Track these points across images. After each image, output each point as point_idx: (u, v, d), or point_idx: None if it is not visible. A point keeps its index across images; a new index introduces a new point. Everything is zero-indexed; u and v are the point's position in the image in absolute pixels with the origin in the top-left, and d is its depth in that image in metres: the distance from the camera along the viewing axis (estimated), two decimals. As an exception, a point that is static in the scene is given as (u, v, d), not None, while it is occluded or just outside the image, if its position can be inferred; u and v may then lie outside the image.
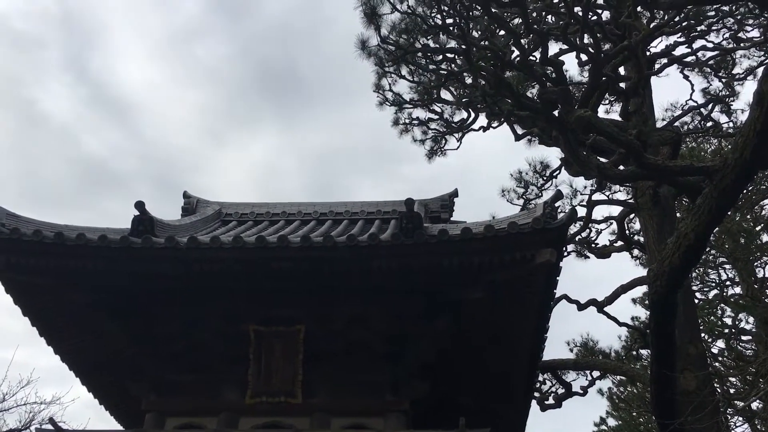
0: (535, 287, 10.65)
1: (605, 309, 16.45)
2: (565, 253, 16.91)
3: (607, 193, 17.10)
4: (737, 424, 15.48)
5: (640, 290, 17.78)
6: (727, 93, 15.87)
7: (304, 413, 11.02)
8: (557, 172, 16.45)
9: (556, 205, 10.62)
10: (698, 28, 14.64)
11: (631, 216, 16.74)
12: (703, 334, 14.93)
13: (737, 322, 17.38)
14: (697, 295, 18.24)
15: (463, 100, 15.69)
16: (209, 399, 11.31)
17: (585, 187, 16.50)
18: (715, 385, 12.25)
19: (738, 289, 18.59)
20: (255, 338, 11.30)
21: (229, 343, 11.48)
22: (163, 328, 11.59)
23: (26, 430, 14.59)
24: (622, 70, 14.28)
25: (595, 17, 13.22)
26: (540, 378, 17.09)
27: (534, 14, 14.35)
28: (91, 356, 12.43)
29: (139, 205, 10.67)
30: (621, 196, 17.26)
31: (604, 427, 30.36)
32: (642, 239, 15.44)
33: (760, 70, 12.84)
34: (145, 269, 10.43)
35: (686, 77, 15.74)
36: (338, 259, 10.34)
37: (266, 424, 10.95)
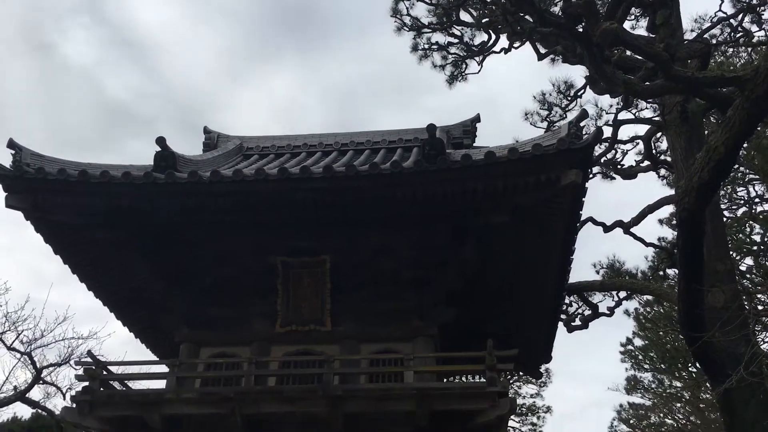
0: (561, 210, 10.53)
1: (631, 230, 16.34)
2: (591, 175, 16.71)
3: (634, 111, 16.74)
4: (765, 340, 15.51)
5: (666, 210, 17.60)
6: (759, 1, 15.23)
7: (333, 340, 11.22)
8: (582, 91, 16.10)
9: (581, 125, 10.39)
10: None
11: (658, 135, 16.39)
12: (731, 252, 14.77)
13: (766, 239, 17.17)
14: (726, 212, 17.99)
15: (484, 21, 15.26)
16: (241, 329, 11.54)
17: (611, 106, 16.18)
18: (744, 301, 12.15)
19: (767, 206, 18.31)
20: (282, 270, 11.42)
21: (258, 276, 11.61)
22: (191, 262, 11.74)
23: (66, 364, 15.05)
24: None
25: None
26: (566, 300, 17.17)
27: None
28: (123, 292, 12.67)
29: (160, 141, 10.64)
30: (648, 114, 16.89)
31: (630, 347, 30.70)
32: (669, 158, 15.16)
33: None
34: (170, 204, 10.49)
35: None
36: (361, 188, 10.27)
37: (297, 352, 11.17)
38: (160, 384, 10.94)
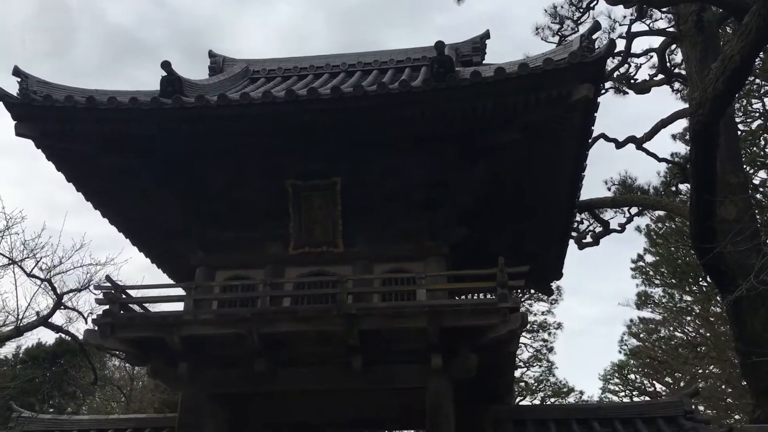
0: (572, 126, 10.42)
1: (644, 146, 16.23)
2: (603, 90, 16.47)
3: (648, 22, 16.31)
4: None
5: (680, 125, 17.43)
6: None
7: (346, 261, 11.35)
8: (594, 2, 15.67)
9: (594, 38, 10.12)
10: None
11: (673, 47, 16.05)
12: (744, 165, 14.66)
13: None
14: (740, 126, 17.77)
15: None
16: (255, 252, 11.68)
17: (624, 18, 15.77)
18: (756, 213, 12.15)
19: (782, 118, 18.06)
20: (293, 193, 11.45)
21: (269, 199, 11.67)
22: (203, 187, 11.81)
23: (85, 290, 15.33)
24: None
25: None
26: (578, 217, 17.24)
27: None
28: (137, 218, 12.80)
29: (166, 65, 10.53)
30: (662, 25, 16.47)
31: (641, 263, 30.96)
32: (683, 71, 14.89)
33: None
34: (178, 129, 10.46)
35: None
36: (369, 108, 10.17)
37: (311, 273, 11.33)
38: (178, 307, 11.18)
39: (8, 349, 32.57)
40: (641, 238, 27.52)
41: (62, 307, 16.02)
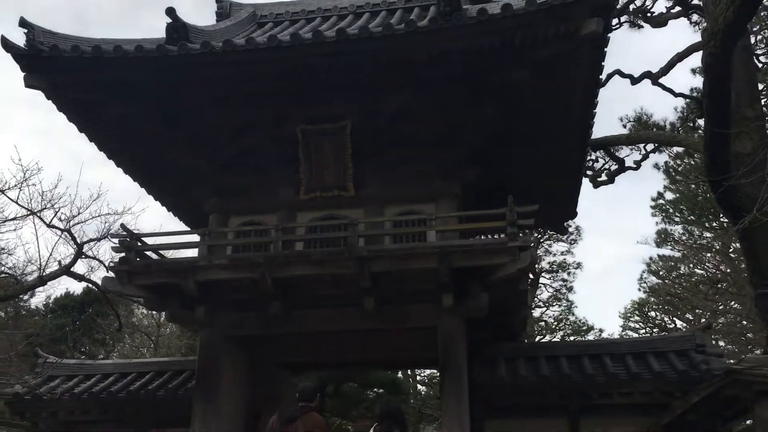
0: (582, 62, 10.24)
1: (660, 81, 15.91)
2: (617, 24, 16.12)
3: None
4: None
5: (698, 58, 16.99)
6: None
7: (357, 205, 11.42)
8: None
9: (602, -31, 9.87)
10: None
11: (690, -24, 15.56)
12: (763, 98, 14.37)
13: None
14: (761, 59, 17.32)
15: None
16: (267, 198, 11.78)
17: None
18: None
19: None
20: (303, 138, 11.45)
21: (280, 145, 11.71)
22: (214, 134, 11.86)
23: (105, 239, 15.61)
24: None
25: None
26: (592, 156, 17.10)
27: None
28: (151, 166, 12.92)
29: (170, 12, 10.45)
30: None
31: (661, 201, 30.73)
32: (701, 2, 14.46)
33: None
34: (185, 77, 10.46)
35: None
36: (375, 50, 10.08)
37: (323, 217, 11.43)
38: (194, 253, 11.37)
39: (38, 299, 33.48)
40: (659, 176, 27.25)
41: (83, 256, 16.28)
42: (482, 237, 12.77)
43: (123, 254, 10.59)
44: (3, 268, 15.72)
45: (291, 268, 10.15)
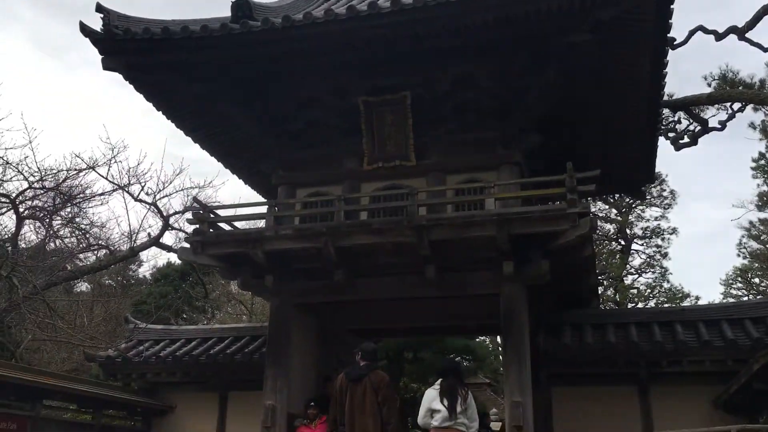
0: (647, 20, 9.87)
1: (747, 36, 15.04)
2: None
3: None
4: None
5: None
6: None
7: (419, 174, 11.53)
8: None
9: None
10: None
11: None
12: None
13: None
14: None
15: None
16: (331, 169, 12.08)
17: None
18: None
19: None
20: (365, 109, 11.61)
21: (342, 117, 11.95)
22: (279, 108, 12.23)
23: (188, 211, 16.44)
24: None
25: None
26: (674, 117, 16.45)
27: None
28: (225, 141, 13.44)
29: (234, -10, 10.76)
30: None
31: (762, 161, 29.24)
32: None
33: None
34: (249, 54, 10.78)
35: None
36: (432, 18, 10.03)
37: (386, 187, 11.62)
38: (264, 224, 11.82)
39: (145, 268, 35.58)
40: (754, 135, 25.89)
41: (170, 228, 17.33)
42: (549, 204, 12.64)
43: (196, 226, 11.15)
44: (97, 240, 16.87)
45: (352, 237, 10.40)
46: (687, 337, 10.86)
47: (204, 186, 17.64)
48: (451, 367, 8.88)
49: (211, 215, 11.39)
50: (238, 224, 12.06)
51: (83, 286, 31.73)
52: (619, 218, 32.07)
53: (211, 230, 11.24)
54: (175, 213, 17.02)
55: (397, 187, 11.44)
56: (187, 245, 11.26)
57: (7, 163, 13.36)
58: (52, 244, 15.77)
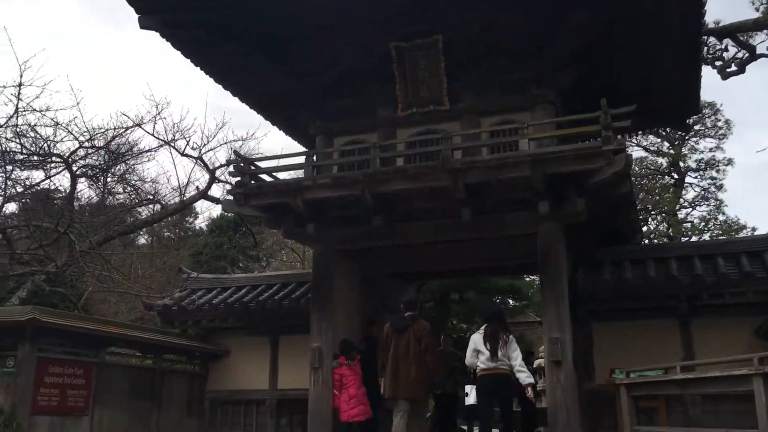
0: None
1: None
2: None
3: None
4: None
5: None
6: None
7: (453, 118, 11.60)
8: None
9: None
10: None
11: None
12: None
13: None
14: None
15: None
16: (367, 117, 12.23)
17: None
18: None
19: None
20: (397, 55, 11.66)
21: (376, 64, 12.01)
22: (313, 60, 12.33)
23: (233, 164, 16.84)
24: None
25: None
26: (720, 45, 15.96)
27: None
28: (263, 94, 13.58)
29: (262, -57, 10.82)
30: None
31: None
32: None
33: None
34: (279, 8, 10.90)
35: None
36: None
37: (420, 132, 11.75)
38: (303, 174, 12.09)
39: (200, 220, 36.68)
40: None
41: (216, 180, 17.82)
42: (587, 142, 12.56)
43: (239, 178, 11.50)
44: (148, 195, 17.50)
45: (389, 184, 10.59)
46: (728, 270, 10.83)
47: (247, 138, 18.12)
48: (495, 313, 10.08)
49: (252, 167, 11.70)
50: (281, 175, 12.38)
51: (143, 239, 33.05)
52: (671, 151, 31.34)
53: (252, 182, 11.57)
54: (221, 166, 17.49)
55: (432, 132, 11.56)
56: (231, 197, 11.63)
57: (57, 124, 13.93)
58: (106, 201, 16.43)
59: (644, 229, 32.86)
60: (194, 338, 13.74)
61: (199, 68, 12.76)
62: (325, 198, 11.05)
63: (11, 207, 16.67)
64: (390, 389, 9.66)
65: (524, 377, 9.50)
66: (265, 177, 11.90)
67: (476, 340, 9.73)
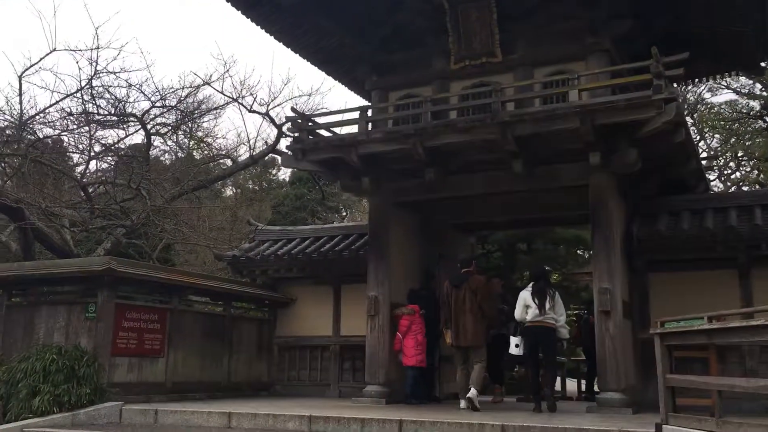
0: None
1: None
2: None
3: None
4: None
5: None
6: None
7: (506, 70, 11.62)
8: None
9: None
10: None
11: None
12: None
13: None
14: None
15: None
16: (421, 71, 12.39)
17: None
18: None
19: None
20: (449, 7, 11.68)
21: (428, 17, 12.12)
22: (367, 16, 12.54)
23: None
24: None
25: None
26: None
27: None
28: (320, 50, 13.85)
29: None
30: None
31: None
32: None
33: None
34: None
35: None
36: None
37: (473, 85, 11.82)
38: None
39: (283, 172, 37.79)
40: None
41: (284, 135, 18.34)
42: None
43: (296, 134, 11.94)
44: (219, 151, 18.27)
45: (440, 137, 10.78)
46: (790, 219, 10.55)
47: (312, 93, 18.47)
48: (540, 273, 11.26)
49: (309, 123, 12.09)
50: (343, 131, 12.71)
51: (230, 191, 34.36)
52: (764, 93, 29.77)
53: (310, 137, 11.98)
54: (287, 121, 17.94)
55: (485, 84, 11.61)
56: (290, 153, 12.10)
57: (130, 85, 14.71)
58: (178, 158, 17.28)
59: (736, 175, 31.65)
60: (262, 287, 14.47)
61: (258, 26, 13.17)
62: (378, 152, 11.35)
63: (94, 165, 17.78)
64: (454, 339, 10.54)
65: (564, 332, 10.77)
66: (325, 133, 12.29)
67: (525, 296, 10.59)
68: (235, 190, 35.24)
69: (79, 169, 15.49)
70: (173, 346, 11.84)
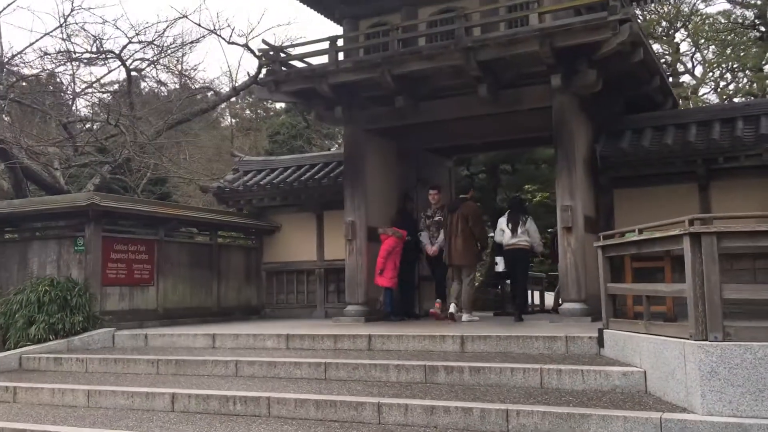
0: None
1: None
2: None
3: None
4: None
5: None
6: None
7: (473, -6, 11.76)
8: None
9: None
10: None
11: None
12: None
13: None
14: None
15: None
16: (389, -3, 12.54)
17: None
18: None
19: None
20: (414, -68, 11.74)
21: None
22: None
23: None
24: None
25: None
26: None
27: None
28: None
29: None
30: None
31: None
32: None
33: None
34: None
35: None
36: None
37: (440, 11, 12.00)
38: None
39: (279, 103, 37.93)
40: None
41: (264, 66, 18.45)
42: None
43: (269, 66, 12.19)
44: (201, 83, 18.42)
45: (406, 65, 11.05)
46: (745, 133, 10.90)
47: (290, 23, 18.45)
48: (514, 202, 13.01)
49: (282, 55, 12.33)
50: (318, 61, 12.87)
51: (227, 121, 34.39)
52: (758, 2, 29.41)
53: (283, 69, 12.23)
54: (260, 53, 18.02)
55: (451, 10, 11.74)
56: (262, 85, 12.39)
57: (105, 21, 14.78)
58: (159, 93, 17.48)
59: (732, 87, 31.60)
60: (248, 216, 15.00)
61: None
62: (348, 81, 11.64)
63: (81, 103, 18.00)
64: (447, 257, 11.73)
65: (539, 248, 12.63)
66: (299, 64, 12.51)
67: (501, 222, 12.30)
68: (231, 121, 35.36)
69: (65, 109, 15.74)
70: (162, 275, 12.47)
